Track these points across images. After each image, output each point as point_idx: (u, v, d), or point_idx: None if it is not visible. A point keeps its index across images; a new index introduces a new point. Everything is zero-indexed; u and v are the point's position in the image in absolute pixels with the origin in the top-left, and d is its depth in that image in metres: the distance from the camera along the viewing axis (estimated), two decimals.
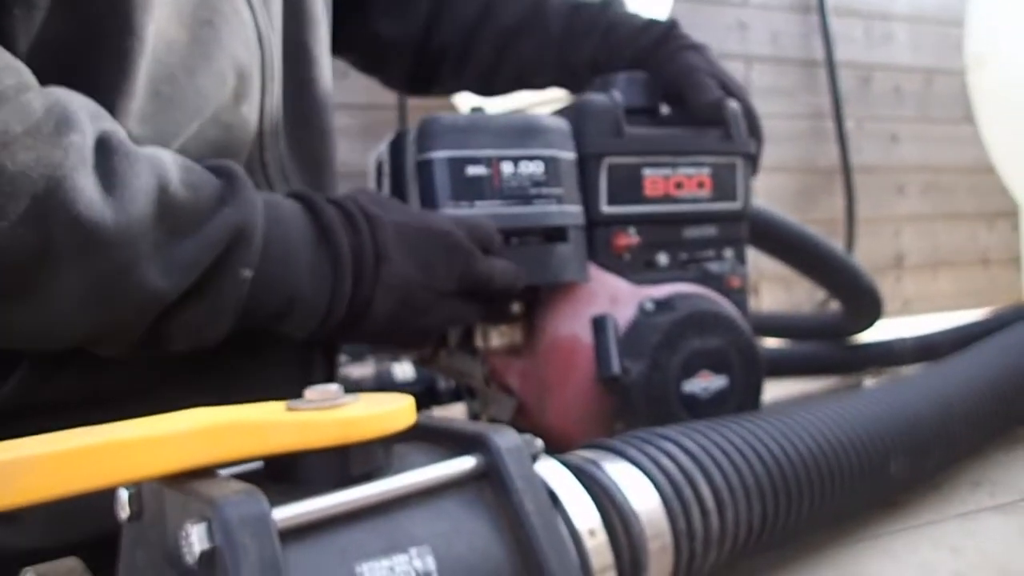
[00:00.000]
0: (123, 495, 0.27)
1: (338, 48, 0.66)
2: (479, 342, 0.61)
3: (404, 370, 0.94)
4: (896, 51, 2.01)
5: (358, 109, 1.51)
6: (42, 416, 0.24)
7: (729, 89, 0.64)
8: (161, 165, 0.39)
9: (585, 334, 0.59)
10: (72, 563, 0.24)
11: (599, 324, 0.58)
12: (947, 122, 2.04)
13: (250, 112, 0.50)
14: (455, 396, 0.90)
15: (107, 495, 0.28)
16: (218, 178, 0.41)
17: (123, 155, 0.37)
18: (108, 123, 0.38)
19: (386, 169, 0.63)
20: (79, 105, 0.37)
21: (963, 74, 1.58)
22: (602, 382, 0.58)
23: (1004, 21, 1.48)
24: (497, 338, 0.60)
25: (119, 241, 0.36)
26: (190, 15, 0.44)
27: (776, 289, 1.83)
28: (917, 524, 0.55)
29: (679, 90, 0.63)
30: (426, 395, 0.90)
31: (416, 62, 0.77)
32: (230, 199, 0.40)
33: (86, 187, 0.35)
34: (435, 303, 0.47)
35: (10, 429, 0.24)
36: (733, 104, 0.63)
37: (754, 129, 0.65)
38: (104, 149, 0.37)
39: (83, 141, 0.36)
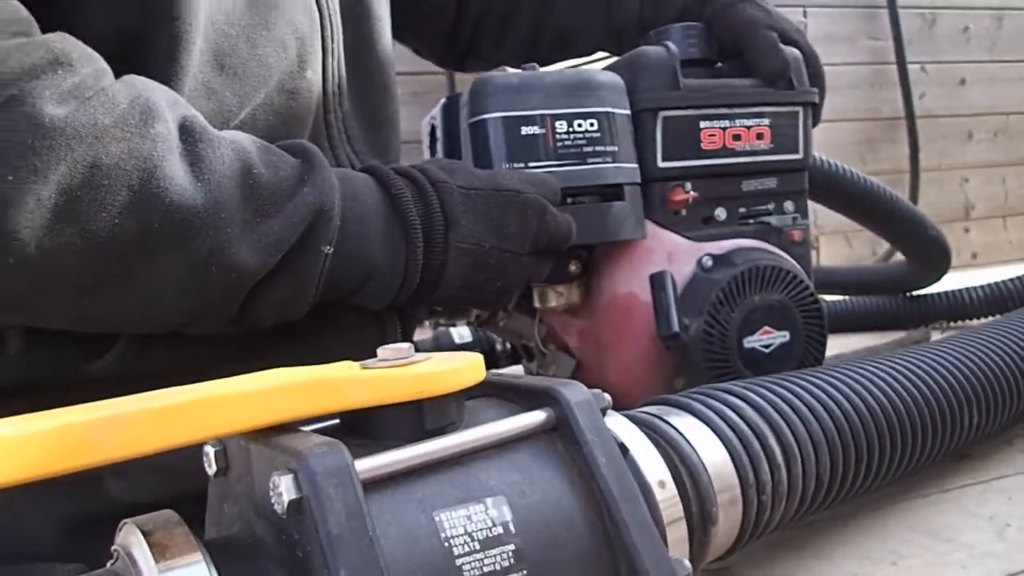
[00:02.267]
0: (210, 451, 0.28)
1: None
2: (537, 303, 0.61)
3: (461, 333, 0.95)
4: None
5: (407, 75, 1.51)
6: (140, 384, 0.26)
7: (788, 37, 0.62)
8: (242, 148, 0.40)
9: (643, 292, 0.58)
10: (168, 514, 0.25)
11: (657, 281, 0.58)
12: (1019, 63, 1.94)
13: (314, 76, 0.50)
14: (513, 358, 0.90)
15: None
16: (295, 157, 0.42)
17: (207, 141, 0.38)
18: (185, 109, 0.40)
19: (439, 133, 0.63)
20: (159, 94, 0.38)
21: None
22: (661, 340, 0.57)
23: None
24: (555, 298, 0.60)
25: (211, 224, 0.37)
26: None
27: (836, 243, 1.78)
28: (989, 478, 0.54)
29: (739, 45, 0.61)
30: (484, 357, 0.91)
31: (455, 27, 0.76)
32: (309, 179, 0.41)
33: (176, 175, 0.36)
34: (510, 263, 0.47)
35: (112, 396, 0.25)
36: (792, 51, 0.61)
37: (815, 77, 0.63)
38: (188, 136, 0.38)
39: (168, 130, 0.37)
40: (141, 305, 0.38)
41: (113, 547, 0.26)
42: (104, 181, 0.34)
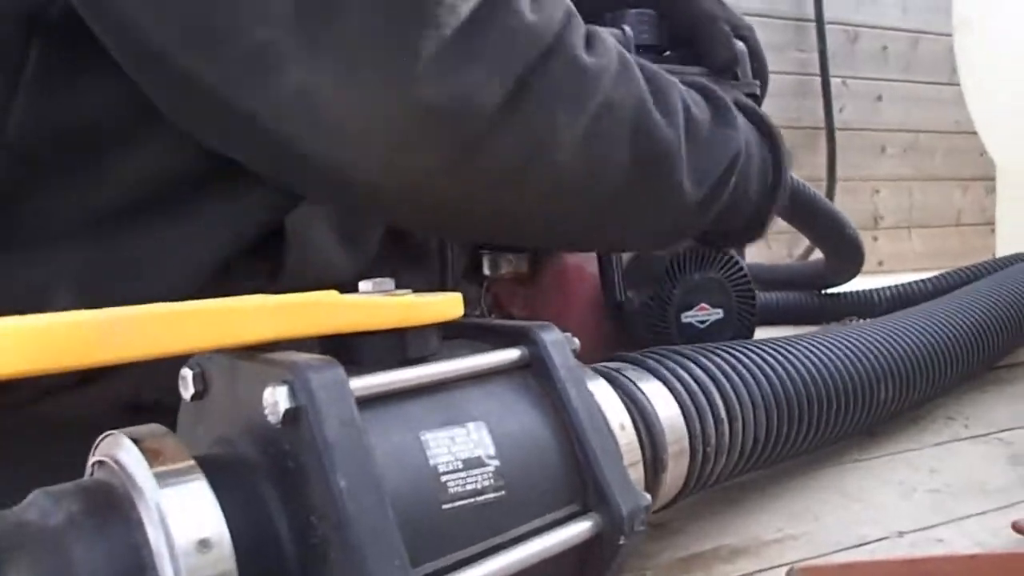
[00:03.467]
0: (188, 374, 0.28)
1: None
2: (487, 270, 0.62)
3: None
4: (885, 11, 2.03)
5: None
6: None
7: (739, 33, 0.65)
8: (682, 90, 0.45)
9: (590, 264, 0.61)
10: (155, 426, 0.25)
11: (605, 255, 0.60)
12: (931, 84, 2.07)
13: None
14: None
15: None
16: (707, 103, 0.47)
17: (665, 82, 0.44)
18: None
19: None
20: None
21: (949, 37, 1.60)
22: (606, 310, 0.60)
23: None
24: (505, 266, 0.61)
25: (675, 156, 0.42)
26: None
27: (756, 245, 1.86)
28: (897, 451, 0.59)
29: (693, 35, 0.64)
30: None
31: None
32: (727, 123, 0.47)
33: (655, 113, 0.42)
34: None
35: None
36: (740, 45, 0.64)
37: (759, 72, 0.67)
38: (650, 80, 0.43)
39: (639, 76, 0.42)
40: (612, 224, 0.44)
41: (92, 460, 0.26)
42: (616, 115, 0.39)
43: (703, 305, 0.62)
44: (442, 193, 0.37)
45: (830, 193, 1.91)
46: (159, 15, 0.32)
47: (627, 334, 0.60)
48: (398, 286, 0.31)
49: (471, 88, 0.34)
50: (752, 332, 0.65)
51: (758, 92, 0.66)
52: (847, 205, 1.97)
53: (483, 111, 0.34)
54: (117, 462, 0.24)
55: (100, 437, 0.26)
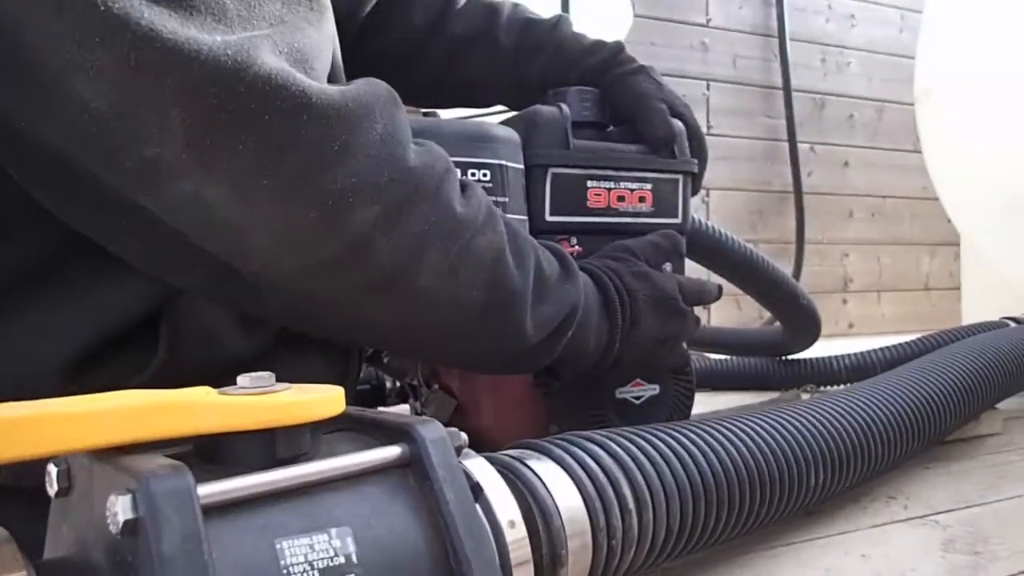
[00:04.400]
0: (53, 471, 0.28)
1: None
2: None
3: None
4: (850, 80, 2.08)
5: None
6: None
7: (676, 111, 0.66)
8: (535, 245, 0.50)
9: None
10: (1, 532, 0.24)
11: None
12: (895, 151, 2.11)
13: None
14: (403, 396, 0.91)
15: None
16: (556, 260, 0.51)
17: (521, 237, 0.48)
18: None
19: None
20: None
21: (913, 105, 1.63)
22: (537, 386, 0.59)
23: (951, 55, 1.53)
24: None
25: (523, 302, 0.47)
26: None
27: (727, 306, 1.87)
28: (831, 533, 0.58)
29: (630, 114, 0.65)
30: (373, 394, 0.90)
31: (349, 59, 0.77)
32: (569, 279, 0.51)
33: (510, 262, 0.46)
34: (656, 355, 0.58)
35: None
36: (678, 124, 0.66)
37: (697, 149, 0.68)
38: (509, 232, 0.47)
39: (503, 228, 0.46)
40: (456, 349, 0.49)
41: None
42: (474, 262, 0.44)
43: (638, 381, 0.62)
44: (319, 292, 0.40)
45: (799, 255, 1.93)
46: (58, 126, 0.34)
47: (561, 411, 0.60)
48: (300, 363, 0.31)
49: (358, 210, 0.38)
50: (689, 408, 0.65)
51: (695, 169, 0.67)
52: (816, 268, 1.99)
53: (364, 228, 0.39)
54: None
55: None
